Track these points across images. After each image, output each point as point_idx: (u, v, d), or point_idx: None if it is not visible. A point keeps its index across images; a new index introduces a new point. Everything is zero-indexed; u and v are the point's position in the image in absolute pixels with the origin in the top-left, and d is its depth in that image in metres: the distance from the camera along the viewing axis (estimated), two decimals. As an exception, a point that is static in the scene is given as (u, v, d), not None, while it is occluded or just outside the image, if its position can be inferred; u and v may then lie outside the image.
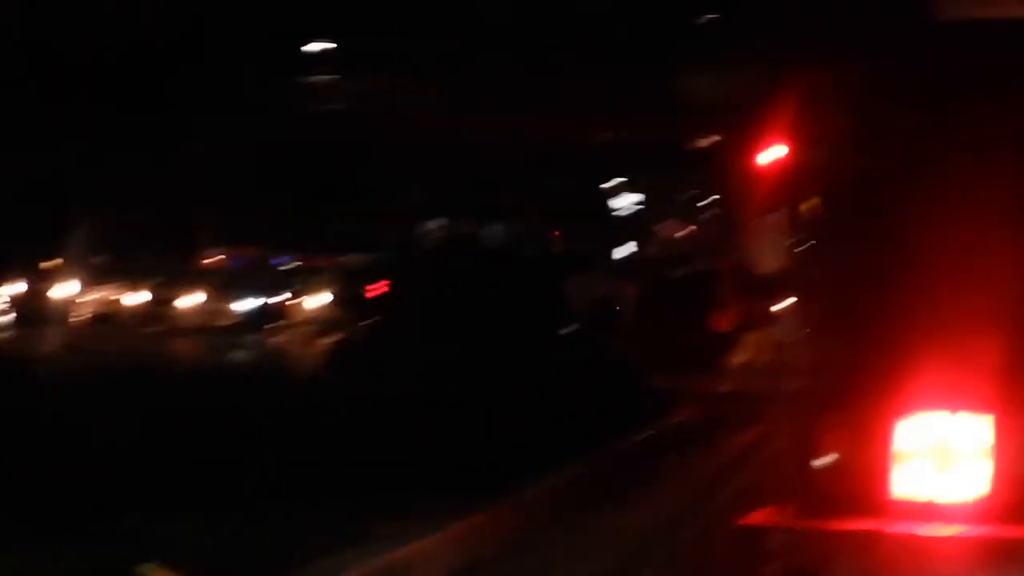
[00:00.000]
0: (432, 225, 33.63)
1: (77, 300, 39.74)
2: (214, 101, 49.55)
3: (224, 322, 38.63)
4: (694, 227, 66.48)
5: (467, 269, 23.88)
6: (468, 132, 51.47)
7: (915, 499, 6.36)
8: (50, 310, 36.53)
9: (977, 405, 6.36)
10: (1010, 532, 6.21)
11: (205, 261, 47.01)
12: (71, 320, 37.22)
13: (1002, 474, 6.34)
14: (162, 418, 9.47)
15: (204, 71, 47.63)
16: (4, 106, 36.65)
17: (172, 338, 31.63)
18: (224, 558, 7.67)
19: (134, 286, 40.71)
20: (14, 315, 36.93)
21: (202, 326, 38.15)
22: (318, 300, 39.64)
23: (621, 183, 66.81)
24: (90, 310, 40.48)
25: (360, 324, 23.53)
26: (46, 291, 39.15)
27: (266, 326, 36.27)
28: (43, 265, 40.73)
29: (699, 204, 63.44)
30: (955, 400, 6.36)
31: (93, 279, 41.56)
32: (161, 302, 39.19)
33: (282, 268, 47.06)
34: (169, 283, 40.02)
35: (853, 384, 6.67)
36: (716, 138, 49.16)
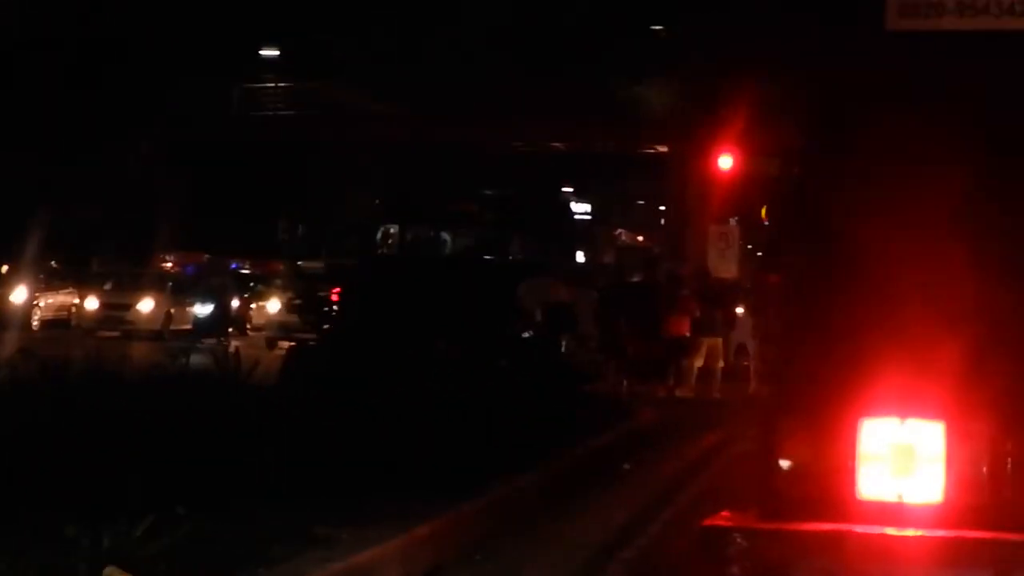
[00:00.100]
0: (387, 231, 33.57)
1: (30, 305, 39.45)
2: (164, 103, 49.45)
3: (180, 326, 38.49)
4: (650, 234, 66.84)
5: (423, 275, 23.87)
6: (421, 138, 51.57)
7: (877, 500, 6.41)
8: (2, 315, 36.23)
9: (930, 411, 6.41)
10: (968, 534, 6.26)
11: (162, 265, 46.85)
12: (24, 325, 36.93)
13: (955, 478, 6.39)
14: (118, 421, 9.39)
15: (157, 73, 47.48)
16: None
17: (128, 342, 31.46)
18: (179, 562, 7.61)
19: (88, 291, 40.44)
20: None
21: (158, 330, 37.98)
22: (274, 305, 39.56)
23: (576, 191, 67.09)
24: (43, 315, 40.21)
25: (316, 329, 23.49)
26: (-2, 297, 38.81)
27: (222, 330, 36.13)
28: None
29: (654, 211, 63.82)
30: (909, 406, 6.42)
31: (46, 284, 41.30)
32: (116, 307, 38.93)
33: (239, 272, 46.96)
34: (124, 287, 39.78)
35: (815, 388, 6.72)
36: (668, 147, 49.52)
